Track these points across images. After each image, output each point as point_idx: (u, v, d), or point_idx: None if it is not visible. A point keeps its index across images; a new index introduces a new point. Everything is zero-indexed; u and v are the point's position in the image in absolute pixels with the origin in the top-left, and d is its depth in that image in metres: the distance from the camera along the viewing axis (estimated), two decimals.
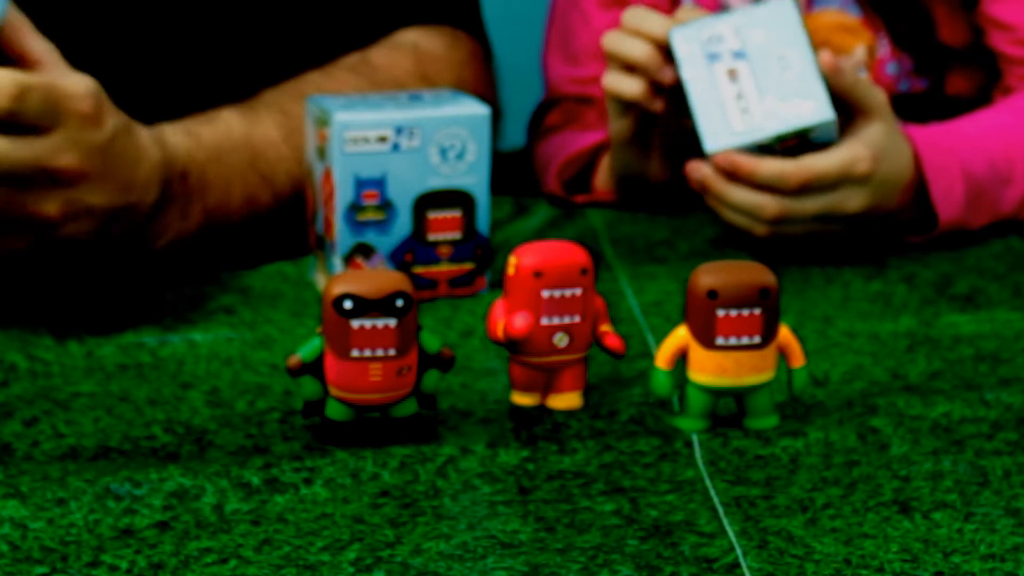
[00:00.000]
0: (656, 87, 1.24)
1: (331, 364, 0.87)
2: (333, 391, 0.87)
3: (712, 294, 0.88)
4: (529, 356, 0.93)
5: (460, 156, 1.11)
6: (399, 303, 0.86)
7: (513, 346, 0.93)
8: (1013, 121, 1.31)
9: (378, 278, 0.86)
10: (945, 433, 0.91)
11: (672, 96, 1.24)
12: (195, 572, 0.75)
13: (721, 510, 0.82)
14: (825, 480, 0.85)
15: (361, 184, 1.10)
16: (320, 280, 1.15)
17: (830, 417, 0.93)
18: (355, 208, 1.11)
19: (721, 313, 0.88)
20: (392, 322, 0.86)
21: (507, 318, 0.92)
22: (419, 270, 1.12)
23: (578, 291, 0.92)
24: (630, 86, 1.24)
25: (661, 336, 0.92)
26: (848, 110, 1.21)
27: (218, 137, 1.16)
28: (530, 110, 1.49)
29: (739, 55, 1.21)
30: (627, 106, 1.27)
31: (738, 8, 1.25)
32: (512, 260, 0.92)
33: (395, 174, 1.11)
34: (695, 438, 0.90)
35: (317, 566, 0.76)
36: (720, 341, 0.88)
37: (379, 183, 1.11)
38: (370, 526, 0.80)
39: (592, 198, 1.38)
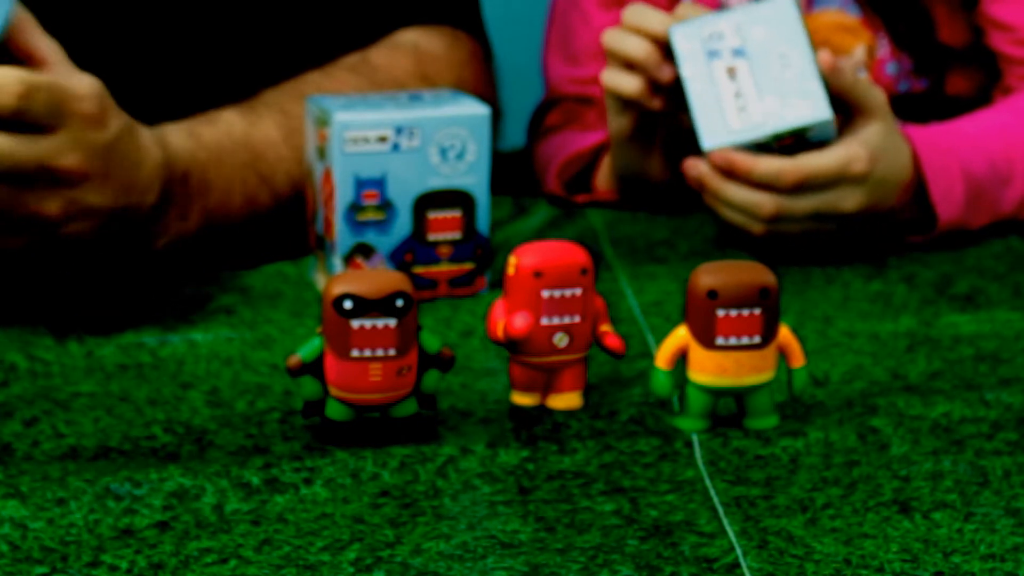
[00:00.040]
0: (655, 85, 1.24)
1: (331, 364, 0.87)
2: (333, 391, 0.87)
3: (712, 294, 0.88)
4: (529, 356, 0.93)
5: (460, 156, 1.11)
6: (399, 303, 0.86)
7: (513, 346, 0.93)
8: (1013, 121, 1.31)
9: (378, 278, 0.86)
10: (945, 433, 0.91)
11: (671, 94, 1.24)
12: (195, 572, 0.75)
13: (721, 510, 0.82)
14: (825, 480, 0.85)
15: (361, 184, 1.10)
16: (320, 280, 1.15)
17: (830, 417, 0.93)
18: (355, 208, 1.10)
19: (721, 313, 0.88)
20: (392, 322, 0.86)
21: (507, 318, 0.92)
22: (419, 270, 1.12)
23: (578, 291, 0.92)
24: (629, 83, 1.24)
25: (661, 336, 0.92)
26: (847, 110, 1.21)
27: (219, 138, 1.16)
28: (530, 110, 1.49)
29: (739, 53, 1.20)
30: (626, 104, 1.27)
31: (738, 6, 1.25)
32: (512, 260, 0.92)
33: (395, 174, 1.11)
34: (695, 438, 0.90)
35: (317, 566, 0.76)
36: (720, 341, 0.88)
37: (379, 183, 1.10)
38: (370, 526, 0.80)
39: (592, 198, 1.38)
